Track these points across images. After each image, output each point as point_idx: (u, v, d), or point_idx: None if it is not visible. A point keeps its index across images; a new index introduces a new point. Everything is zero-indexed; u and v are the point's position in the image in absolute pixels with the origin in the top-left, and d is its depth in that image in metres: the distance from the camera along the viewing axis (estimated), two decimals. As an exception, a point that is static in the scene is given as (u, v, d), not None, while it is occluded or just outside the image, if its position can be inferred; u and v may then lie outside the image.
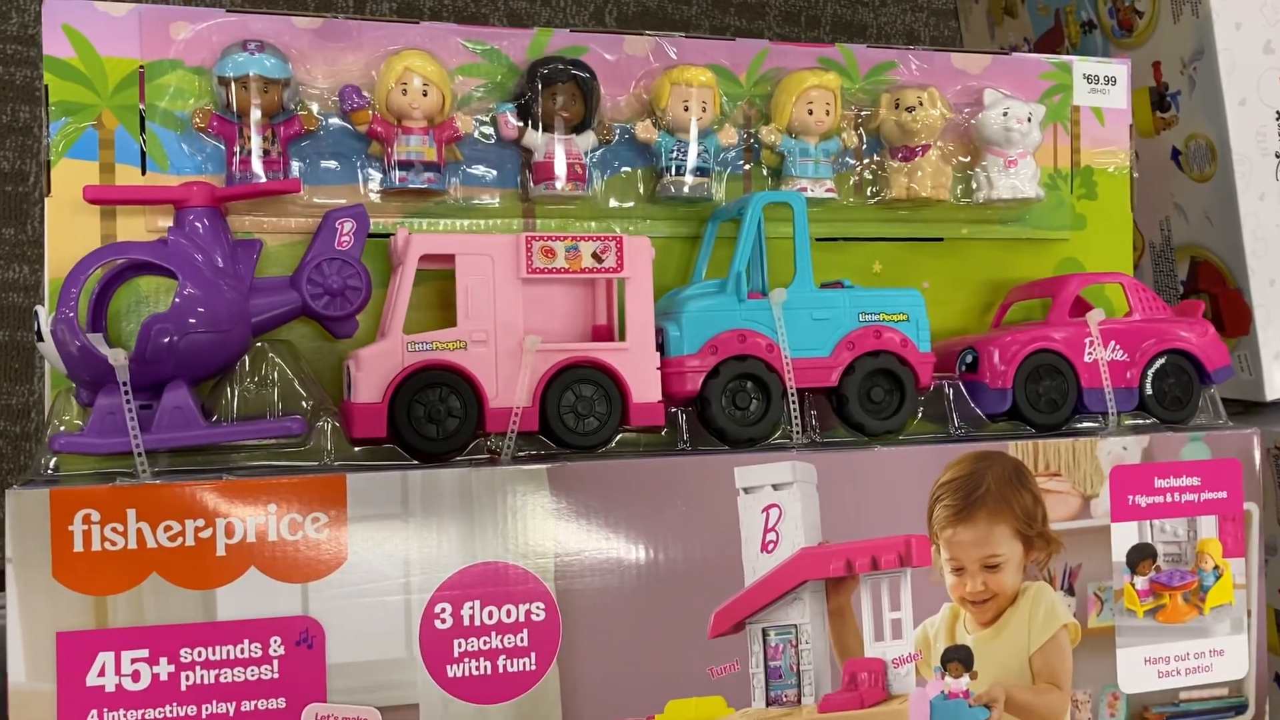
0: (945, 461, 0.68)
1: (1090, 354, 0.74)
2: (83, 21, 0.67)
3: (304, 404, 0.64)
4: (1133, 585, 0.72)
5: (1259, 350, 1.15)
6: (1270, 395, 1.14)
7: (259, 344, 0.64)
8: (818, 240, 0.79)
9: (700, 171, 0.73)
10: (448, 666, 0.60)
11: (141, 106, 0.68)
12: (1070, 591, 0.71)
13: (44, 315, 0.58)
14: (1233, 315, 1.24)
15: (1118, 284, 0.78)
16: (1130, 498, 0.72)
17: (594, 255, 0.65)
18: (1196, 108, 1.24)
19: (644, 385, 0.65)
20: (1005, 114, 0.78)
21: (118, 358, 0.57)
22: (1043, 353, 0.73)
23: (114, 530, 0.56)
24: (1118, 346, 0.75)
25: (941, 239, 0.82)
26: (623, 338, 0.66)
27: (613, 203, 0.75)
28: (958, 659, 0.68)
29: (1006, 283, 0.83)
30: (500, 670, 0.61)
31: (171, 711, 0.57)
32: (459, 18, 1.38)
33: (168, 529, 0.57)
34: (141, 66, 0.68)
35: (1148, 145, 1.32)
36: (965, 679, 0.68)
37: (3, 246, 1.29)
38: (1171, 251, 1.33)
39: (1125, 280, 0.78)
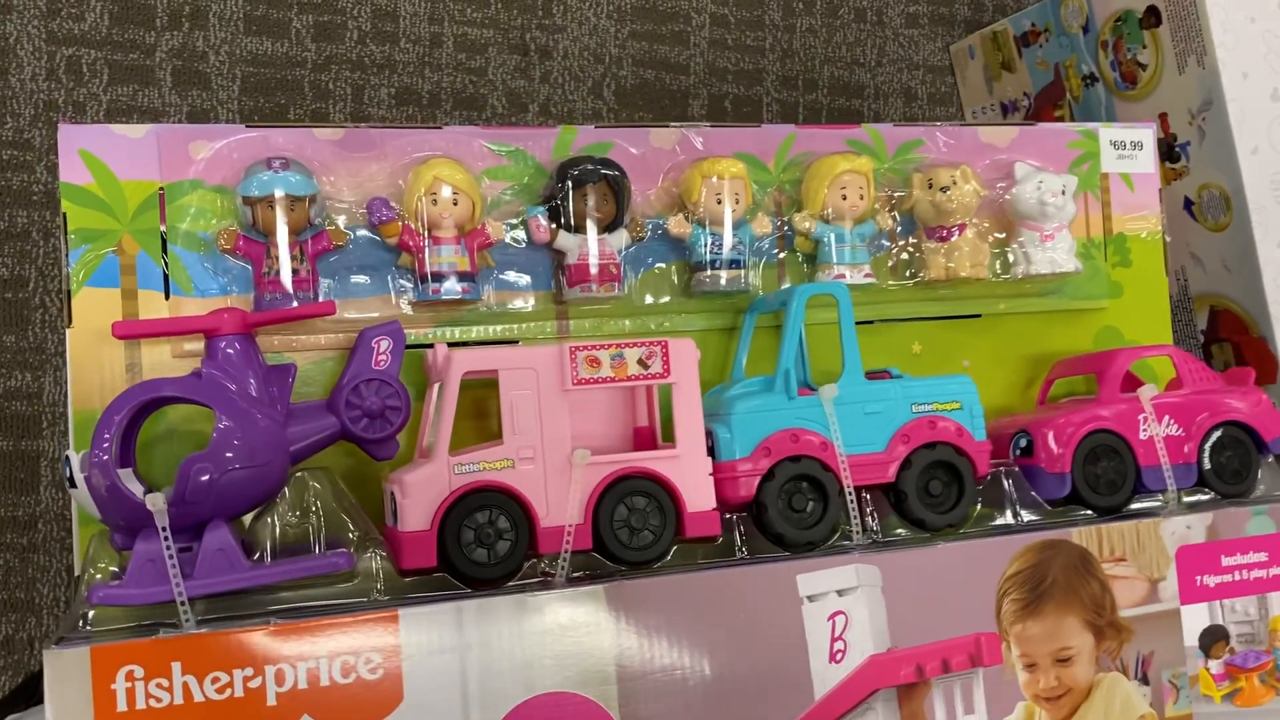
0: (1010, 554, 0.66)
1: (1145, 431, 0.72)
2: (100, 146, 0.65)
3: (349, 533, 0.61)
4: (1207, 669, 0.69)
5: (1288, 397, 1.14)
6: (1302, 442, 1.12)
7: (298, 473, 0.61)
8: (856, 324, 0.77)
9: (735, 264, 0.72)
10: (514, 806, 0.57)
11: (163, 229, 0.66)
12: (1145, 680, 0.68)
13: (75, 460, 0.55)
14: (1258, 364, 1.23)
15: (1166, 356, 0.77)
16: (1198, 578, 0.70)
17: (640, 362, 0.63)
18: (1207, 158, 1.24)
19: (698, 493, 0.63)
20: (1039, 186, 0.77)
21: (156, 502, 0.54)
22: (1099, 433, 0.71)
23: (159, 686, 0.53)
24: (1172, 421, 0.73)
25: (980, 315, 0.80)
26: (671, 443, 0.64)
27: (648, 299, 0.73)
28: (1036, 760, 0.66)
29: (1046, 356, 0.82)
30: (568, 806, 0.58)
31: None
32: (458, 100, 1.37)
33: (215, 681, 0.54)
34: (161, 188, 0.66)
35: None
36: (1045, 780, 0.66)
37: (4, 354, 1.26)
38: (1190, 301, 1.32)
39: (1173, 352, 0.76)
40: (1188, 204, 1.28)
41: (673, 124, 0.75)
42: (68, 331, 0.64)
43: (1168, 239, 0.85)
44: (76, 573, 0.60)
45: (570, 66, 1.52)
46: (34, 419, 1.31)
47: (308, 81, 1.41)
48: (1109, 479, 0.71)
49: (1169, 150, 1.28)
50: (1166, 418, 0.73)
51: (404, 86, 1.43)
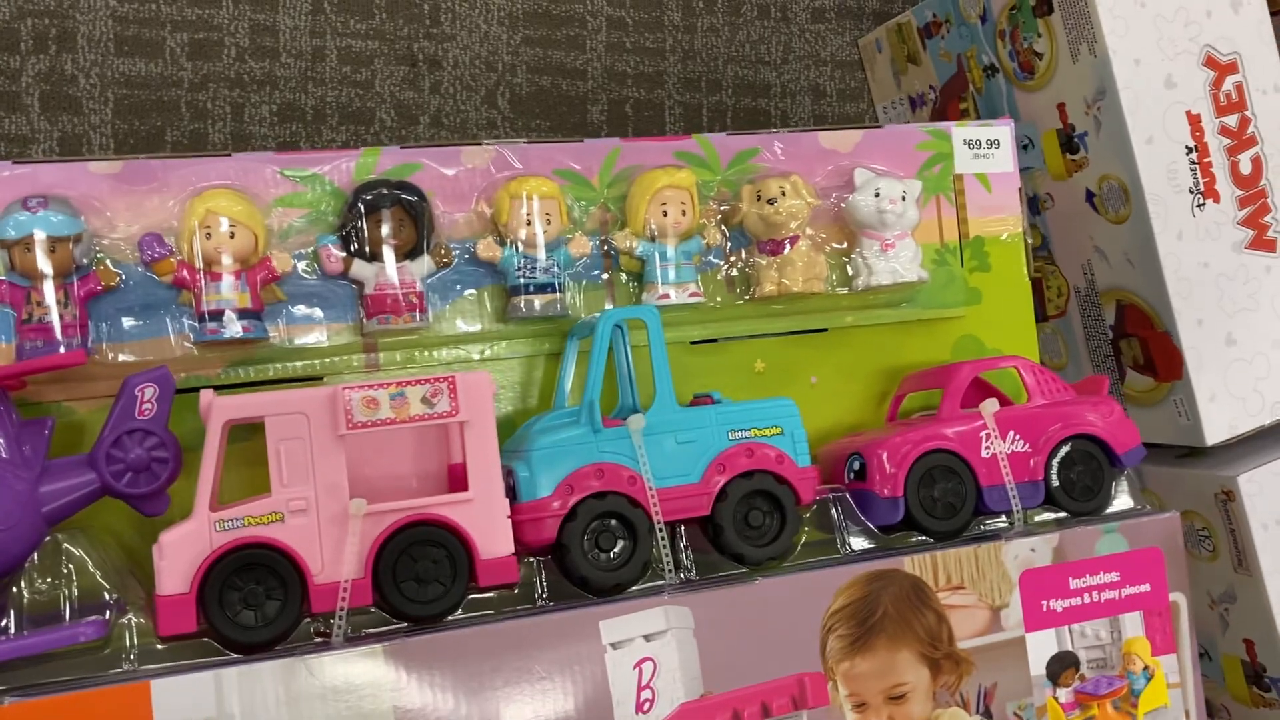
0: (836, 586, 0.63)
1: (988, 448, 0.68)
2: None
3: (107, 597, 0.57)
4: (1056, 699, 0.66)
5: (1194, 394, 1.11)
6: (1210, 439, 1.09)
7: (51, 536, 0.57)
8: (693, 344, 0.73)
9: (550, 288, 0.68)
10: None
11: (-86, 277, 0.62)
12: (988, 715, 0.65)
13: None
14: (1164, 359, 1.20)
15: (1012, 368, 0.73)
16: (1044, 603, 0.66)
17: (423, 400, 0.59)
18: (1105, 148, 1.21)
19: (493, 539, 0.59)
20: (877, 195, 0.73)
21: (-124, 576, 0.50)
22: (935, 453, 0.67)
23: (-122, 776, 0.49)
24: (1017, 436, 0.69)
25: (826, 329, 0.77)
26: (465, 488, 0.60)
27: (461, 326, 0.69)
28: (868, 806, 0.62)
29: (900, 369, 0.78)
30: None
31: None
32: (344, 115, 1.33)
33: (-58, 768, 0.50)
34: (-86, 230, 0.62)
35: (1062, 188, 1.28)
36: (878, 826, 0.62)
37: None
38: (1097, 295, 1.29)
39: (1019, 362, 0.72)
40: (1089, 196, 1.25)
41: (486, 142, 0.71)
42: None
43: (1029, 240, 0.81)
44: None
45: (461, 76, 1.48)
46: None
47: (184, 102, 1.36)
48: (946, 501, 0.67)
49: (1068, 141, 1.25)
50: (1011, 433, 0.69)
51: (287, 103, 1.39)
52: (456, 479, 0.63)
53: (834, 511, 0.66)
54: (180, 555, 0.55)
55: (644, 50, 1.54)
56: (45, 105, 1.31)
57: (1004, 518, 0.69)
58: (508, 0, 1.49)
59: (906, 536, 0.68)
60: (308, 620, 0.58)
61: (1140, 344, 1.23)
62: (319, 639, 0.58)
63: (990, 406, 0.69)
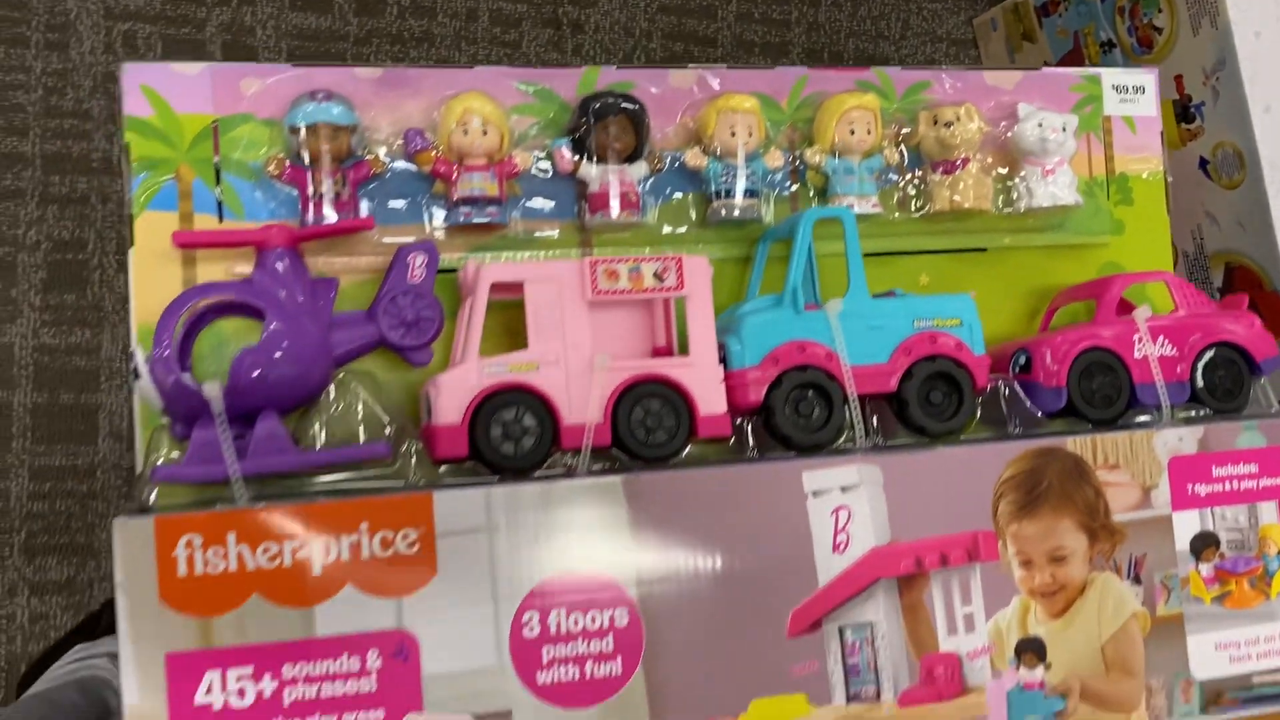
0: (1006, 459, 0.70)
1: (1140, 350, 0.76)
2: (159, 82, 0.71)
3: (386, 430, 0.66)
4: (1198, 572, 0.73)
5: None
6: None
7: (340, 375, 0.67)
8: (865, 255, 0.81)
9: (749, 194, 0.76)
10: (537, 673, 0.62)
11: (216, 159, 0.71)
12: (1137, 580, 0.72)
13: (140, 355, 0.61)
14: (1273, 317, 1.26)
15: (1161, 282, 0.80)
16: (1189, 487, 0.73)
17: (655, 275, 0.68)
18: (1221, 117, 1.27)
19: (710, 398, 0.68)
20: (1040, 125, 0.81)
21: (213, 390, 0.60)
22: (1094, 350, 0.75)
23: (216, 554, 0.59)
24: (1166, 341, 0.76)
25: (985, 249, 0.84)
26: (685, 353, 0.68)
27: (666, 229, 0.78)
28: (1031, 650, 0.69)
29: (1051, 289, 0.85)
30: (588, 675, 0.63)
31: (276, 727, 0.59)
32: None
33: (266, 550, 0.59)
34: (215, 121, 0.72)
35: (1175, 157, 1.35)
36: (1040, 670, 0.69)
37: (64, 312, 1.33)
38: (1206, 259, 1.35)
39: (1168, 278, 0.80)
40: (1203, 163, 1.31)
41: (691, 66, 0.80)
42: (130, 251, 0.70)
43: (1169, 179, 0.88)
44: (139, 469, 0.66)
45: (601, 40, 1.57)
46: (92, 373, 1.37)
47: (350, 55, 1.47)
48: (1104, 394, 0.75)
49: (1184, 111, 1.31)
50: (1161, 338, 0.76)
51: (441, 59, 1.48)
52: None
53: (1002, 393, 0.74)
54: (454, 392, 0.64)
55: (771, 21, 1.61)
56: (226, 53, 1.42)
57: (1154, 413, 0.76)
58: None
59: (1067, 424, 0.75)
60: (556, 455, 0.66)
61: (1249, 305, 1.29)
62: (566, 469, 0.66)
63: (1143, 313, 0.76)
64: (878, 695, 0.67)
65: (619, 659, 0.63)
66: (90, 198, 1.36)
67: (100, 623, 1.22)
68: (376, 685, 0.60)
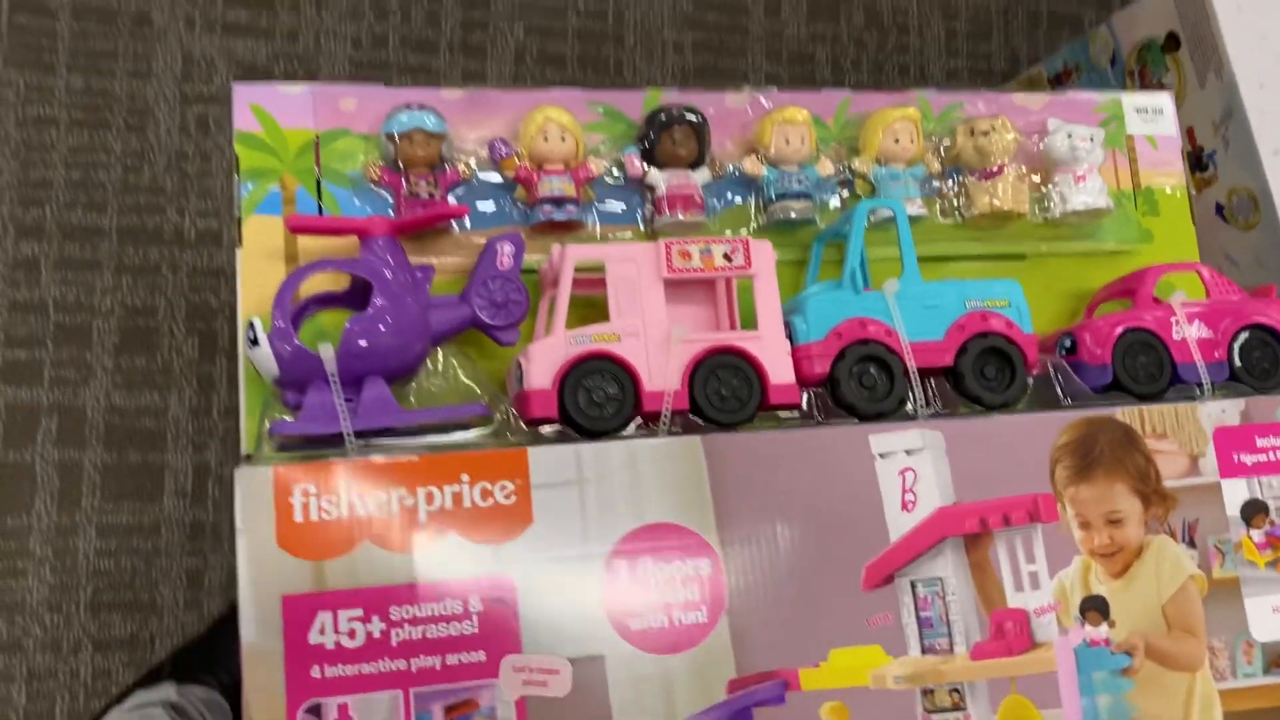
0: (1059, 428, 0.74)
1: (1178, 332, 0.80)
2: (267, 100, 0.78)
3: (481, 397, 0.71)
4: (1250, 538, 0.76)
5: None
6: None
7: (437, 350, 0.72)
8: (911, 260, 0.87)
9: (804, 197, 0.82)
10: (628, 620, 0.65)
11: (317, 169, 0.78)
12: (1192, 544, 0.75)
13: (259, 323, 0.66)
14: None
15: (1193, 272, 0.85)
16: (1235, 455, 0.77)
17: (725, 255, 0.73)
18: (1233, 163, 1.34)
19: (779, 368, 0.72)
20: (1069, 135, 0.87)
21: (327, 353, 0.65)
22: (1135, 331, 0.79)
23: (329, 501, 0.63)
24: (1202, 325, 0.81)
25: (1024, 255, 0.90)
26: (754, 328, 0.73)
27: (727, 232, 0.84)
28: (1095, 608, 0.72)
29: (1087, 294, 0.91)
30: (675, 623, 0.66)
31: (385, 666, 0.62)
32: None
33: (375, 499, 0.63)
34: (316, 135, 0.78)
35: (1193, 203, 1.41)
36: (1104, 627, 0.72)
37: (135, 375, 1.39)
38: (1228, 301, 1.39)
39: (1200, 267, 0.85)
40: (1219, 209, 1.37)
41: (745, 88, 0.87)
42: (238, 251, 0.76)
43: (1192, 191, 0.94)
44: (243, 436, 0.71)
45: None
46: (160, 434, 1.42)
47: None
48: (1148, 371, 0.79)
49: (1198, 160, 1.38)
50: (1197, 321, 0.81)
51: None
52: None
53: (1051, 370, 0.78)
54: (544, 359, 0.69)
55: (800, 81, 1.69)
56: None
57: (1194, 390, 0.80)
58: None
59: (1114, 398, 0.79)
60: (638, 421, 0.71)
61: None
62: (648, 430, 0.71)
63: (1179, 298, 0.81)
64: (950, 648, 0.70)
65: (704, 608, 0.66)
66: (161, 267, 1.43)
67: (160, 676, 1.24)
68: (478, 628, 0.63)
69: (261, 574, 0.62)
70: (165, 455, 1.40)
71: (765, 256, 0.74)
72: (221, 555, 1.38)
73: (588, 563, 0.65)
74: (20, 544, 1.33)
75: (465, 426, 0.69)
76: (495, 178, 0.80)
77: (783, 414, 0.74)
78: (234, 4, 1.49)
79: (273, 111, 0.78)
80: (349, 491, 0.63)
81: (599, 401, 0.69)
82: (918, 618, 0.70)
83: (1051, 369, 0.79)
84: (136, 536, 1.37)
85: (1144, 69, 1.44)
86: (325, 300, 0.74)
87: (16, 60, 1.41)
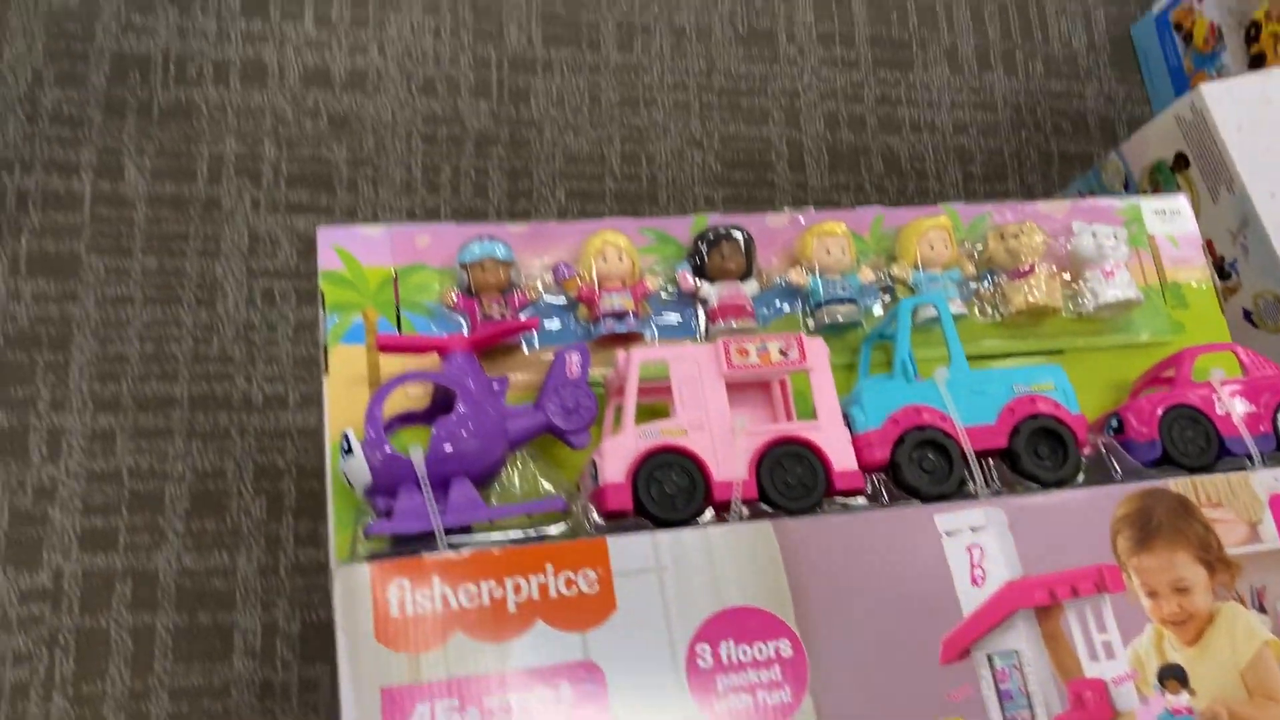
0: (1116, 500, 0.77)
1: (1221, 407, 0.83)
2: (348, 241, 0.85)
3: (558, 495, 0.75)
4: (1319, 601, 0.77)
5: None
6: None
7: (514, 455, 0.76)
8: (954, 360, 0.91)
9: (849, 301, 0.87)
10: (714, 701, 0.67)
11: (396, 300, 0.84)
12: (1261, 609, 0.76)
13: (353, 434, 0.71)
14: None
15: (1229, 352, 0.89)
16: (1293, 521, 0.79)
17: (780, 351, 0.78)
18: (1255, 270, 1.39)
19: (841, 455, 0.76)
20: (1094, 235, 0.92)
21: (417, 455, 0.69)
22: (1179, 407, 0.82)
23: (422, 596, 0.66)
24: (1244, 400, 0.84)
25: (1062, 350, 0.94)
26: (812, 418, 0.77)
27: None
28: (1174, 676, 0.73)
29: (1125, 385, 0.94)
30: (761, 703, 0.67)
31: (483, 753, 0.64)
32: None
33: (467, 592, 0.66)
34: (395, 270, 0.85)
35: (1221, 315, 1.45)
36: (1185, 695, 0.73)
37: (205, 537, 1.43)
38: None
39: (1236, 348, 0.88)
40: (1247, 315, 1.41)
41: (786, 209, 0.93)
42: (325, 379, 0.81)
43: (1218, 284, 0.99)
44: (331, 543, 0.74)
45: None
46: (229, 594, 1.45)
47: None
48: (1196, 444, 0.82)
49: (1220, 270, 1.43)
50: (1238, 397, 0.84)
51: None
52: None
53: (1102, 449, 0.81)
54: (617, 454, 0.73)
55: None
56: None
57: (1245, 461, 0.82)
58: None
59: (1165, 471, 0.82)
60: (708, 510, 0.74)
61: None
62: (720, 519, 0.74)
63: (1218, 375, 0.84)
64: (1032, 719, 0.70)
65: (787, 688, 0.68)
66: (230, 431, 1.49)
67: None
68: (569, 714, 0.65)
69: (361, 668, 0.65)
70: (234, 615, 1.43)
71: (819, 351, 0.79)
72: (291, 715, 1.38)
73: (672, 647, 0.67)
74: (95, 711, 1.35)
75: (546, 521, 0.72)
76: (559, 299, 0.85)
77: (848, 500, 0.77)
78: (296, 185, 1.60)
79: (354, 251, 0.85)
80: (441, 585, 0.66)
81: (670, 493, 0.73)
82: (998, 690, 0.71)
83: (1102, 448, 0.82)
84: (207, 698, 1.38)
85: (1156, 189, 1.51)
86: (405, 419, 0.79)
87: (98, 247, 1.51)
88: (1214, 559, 0.77)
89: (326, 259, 0.85)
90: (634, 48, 1.75)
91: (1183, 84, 1.88)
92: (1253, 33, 1.79)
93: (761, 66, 1.78)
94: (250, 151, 1.59)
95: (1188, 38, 1.88)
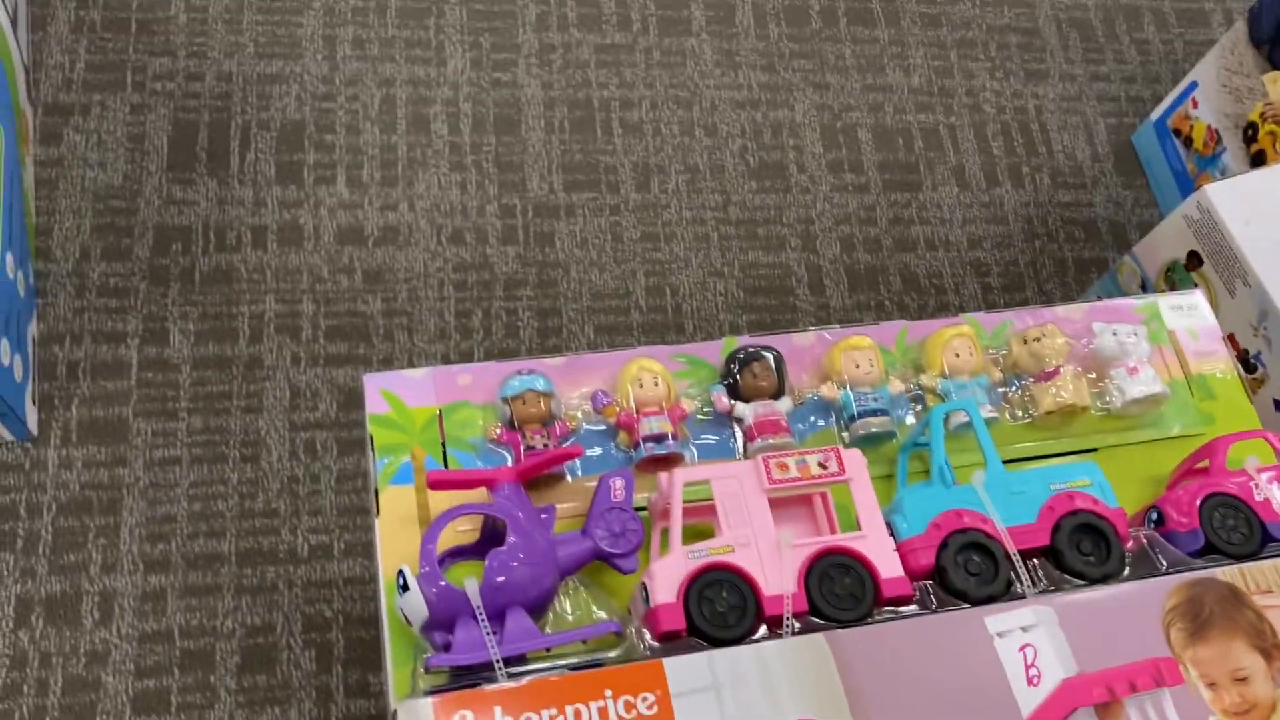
0: (1165, 592, 0.77)
1: (1259, 493, 0.84)
2: (393, 385, 0.89)
3: (612, 619, 0.76)
4: (1382, 682, 0.76)
5: None
6: None
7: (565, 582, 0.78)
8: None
9: (882, 413, 0.90)
10: (781, 817, 0.67)
11: (441, 438, 0.87)
12: (1325, 694, 0.76)
13: (409, 571, 0.73)
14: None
15: (1261, 439, 0.90)
16: (1346, 604, 0.78)
17: (819, 464, 0.80)
18: (1279, 360, 1.40)
19: (887, 563, 0.77)
20: (1115, 334, 0.95)
21: (472, 587, 0.71)
22: (1216, 495, 0.83)
23: (485, 726, 0.67)
24: (1280, 485, 0.85)
25: (1095, 449, 0.95)
26: (855, 529, 0.78)
27: (814, 457, 0.90)
28: (1244, 767, 0.72)
29: (1160, 479, 0.95)
30: (827, 816, 0.67)
31: None
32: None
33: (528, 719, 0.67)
34: (439, 410, 0.88)
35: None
36: (1258, 786, 0.72)
37: (256, 693, 1.43)
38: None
39: (1269, 435, 0.90)
40: (1277, 405, 1.42)
41: (811, 328, 0.96)
42: (376, 520, 0.83)
43: (1243, 374, 1.00)
44: (393, 701, 0.75)
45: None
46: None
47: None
48: (1239, 531, 0.82)
49: (1245, 363, 1.45)
50: (1275, 484, 0.85)
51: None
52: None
53: (1145, 543, 0.82)
54: (667, 575, 0.75)
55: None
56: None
57: (1288, 546, 0.83)
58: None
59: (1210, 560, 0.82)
60: (760, 624, 0.75)
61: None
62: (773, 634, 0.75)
63: (1252, 462, 0.85)
64: (1107, 819, 0.69)
65: (853, 799, 0.68)
66: (278, 584, 1.50)
67: None
68: (640, 837, 0.65)
69: (429, 801, 0.65)
70: (286, 771, 1.41)
71: (857, 462, 0.81)
72: None
73: (736, 763, 0.68)
74: None
75: (601, 646, 0.73)
76: (599, 425, 0.88)
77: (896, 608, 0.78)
78: (334, 339, 1.65)
79: (399, 393, 0.88)
80: (503, 716, 0.67)
81: (722, 610, 0.74)
82: (1067, 791, 0.70)
83: (1145, 541, 0.82)
84: None
85: (1173, 288, 1.53)
86: (455, 553, 0.81)
87: (144, 411, 1.56)
88: (1270, 646, 0.76)
89: (373, 403, 0.88)
90: (651, 187, 1.82)
91: (1187, 186, 1.93)
92: (1250, 133, 1.84)
93: (775, 196, 1.84)
94: (289, 309, 1.64)
95: (1187, 142, 1.93)
